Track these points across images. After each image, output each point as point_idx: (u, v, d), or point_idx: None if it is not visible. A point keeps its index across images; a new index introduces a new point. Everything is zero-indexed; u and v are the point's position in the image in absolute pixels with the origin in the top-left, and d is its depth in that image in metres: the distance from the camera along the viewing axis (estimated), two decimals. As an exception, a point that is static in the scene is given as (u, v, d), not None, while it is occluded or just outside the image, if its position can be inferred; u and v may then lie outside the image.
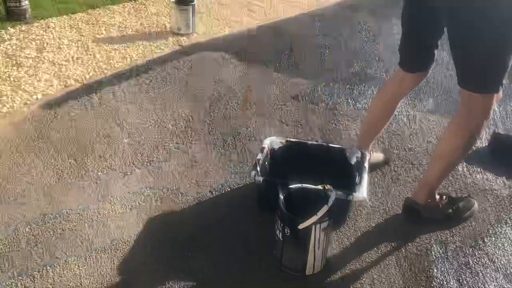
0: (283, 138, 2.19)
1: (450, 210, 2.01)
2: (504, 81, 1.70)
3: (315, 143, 2.25)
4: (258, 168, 1.96)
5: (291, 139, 2.18)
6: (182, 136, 2.53)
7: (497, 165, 2.38)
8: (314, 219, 1.56)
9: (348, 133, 2.64)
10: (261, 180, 1.90)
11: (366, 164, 2.01)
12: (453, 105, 3.04)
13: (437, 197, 2.01)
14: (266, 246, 1.81)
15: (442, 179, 1.99)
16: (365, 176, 1.94)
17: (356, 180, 1.96)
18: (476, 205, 2.07)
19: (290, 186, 1.75)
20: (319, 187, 1.73)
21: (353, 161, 2.09)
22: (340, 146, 2.16)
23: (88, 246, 1.80)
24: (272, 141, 2.16)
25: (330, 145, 2.18)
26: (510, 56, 1.64)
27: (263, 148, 2.10)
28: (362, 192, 1.85)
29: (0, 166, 2.20)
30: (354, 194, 1.83)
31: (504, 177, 2.33)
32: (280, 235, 1.67)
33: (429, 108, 2.98)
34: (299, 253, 1.67)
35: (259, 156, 2.03)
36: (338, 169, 2.05)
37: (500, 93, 1.74)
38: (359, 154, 2.08)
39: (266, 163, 2.09)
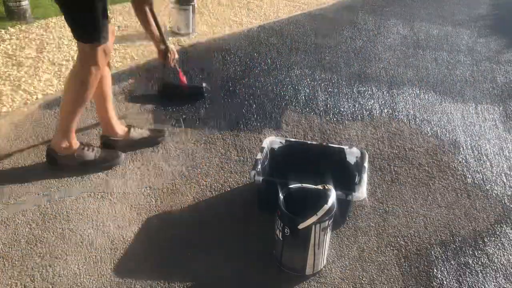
0: (282, 138, 2.19)
1: (88, 159, 2.18)
2: (103, 34, 1.92)
3: (315, 143, 2.25)
4: (258, 168, 1.96)
5: (291, 139, 2.18)
6: (183, 135, 2.53)
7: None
8: (314, 219, 1.56)
9: (348, 133, 2.64)
10: (260, 180, 1.90)
11: (366, 164, 2.01)
12: (453, 104, 3.04)
13: (76, 145, 2.17)
14: (266, 246, 1.81)
15: (68, 124, 2.10)
16: (365, 176, 1.94)
17: (356, 180, 1.96)
18: (121, 158, 2.25)
19: (290, 186, 1.75)
20: (319, 187, 1.73)
21: (353, 161, 2.09)
22: (339, 146, 2.16)
23: (88, 246, 1.80)
24: (272, 141, 2.16)
25: (330, 144, 2.18)
26: (87, 10, 1.85)
27: (263, 148, 2.10)
28: (362, 192, 1.85)
29: (0, 166, 2.20)
30: (353, 194, 1.83)
31: (503, 177, 2.33)
32: (280, 235, 1.67)
33: (430, 108, 2.98)
34: (299, 253, 1.67)
35: (259, 156, 2.04)
36: (338, 168, 2.05)
37: (108, 45, 1.98)
38: (358, 154, 2.08)
39: (266, 163, 2.09)
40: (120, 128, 2.34)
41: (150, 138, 2.41)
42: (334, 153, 2.12)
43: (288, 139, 2.18)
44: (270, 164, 2.12)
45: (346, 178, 2.00)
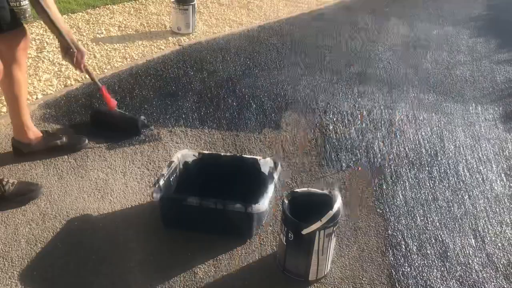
0: (196, 150, 2.10)
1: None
2: None
3: (229, 154, 2.17)
4: (161, 183, 1.84)
5: (204, 152, 2.10)
6: (182, 135, 2.53)
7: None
8: (318, 224, 1.54)
9: (348, 133, 2.64)
10: (158, 197, 1.80)
11: (276, 175, 1.93)
12: (453, 104, 3.05)
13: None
14: (267, 247, 1.81)
15: None
16: (271, 187, 1.85)
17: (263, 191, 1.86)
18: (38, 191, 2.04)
19: (296, 190, 1.73)
20: (325, 191, 1.70)
21: (267, 171, 2.01)
22: (253, 156, 2.07)
23: (88, 246, 1.80)
24: (184, 154, 2.06)
25: (244, 156, 2.11)
26: None
27: (172, 162, 1.99)
28: (263, 203, 1.76)
29: (0, 166, 2.20)
30: (253, 206, 1.75)
31: (504, 177, 2.33)
32: (283, 239, 1.65)
33: (430, 107, 2.99)
34: (302, 258, 1.65)
35: (164, 170, 1.92)
36: (252, 180, 1.97)
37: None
38: (272, 164, 2.00)
39: (173, 177, 1.99)
40: (33, 133, 2.23)
41: (67, 144, 2.31)
42: (248, 164, 2.04)
43: (201, 151, 2.09)
44: (181, 178, 2.02)
45: (261, 189, 1.88)
